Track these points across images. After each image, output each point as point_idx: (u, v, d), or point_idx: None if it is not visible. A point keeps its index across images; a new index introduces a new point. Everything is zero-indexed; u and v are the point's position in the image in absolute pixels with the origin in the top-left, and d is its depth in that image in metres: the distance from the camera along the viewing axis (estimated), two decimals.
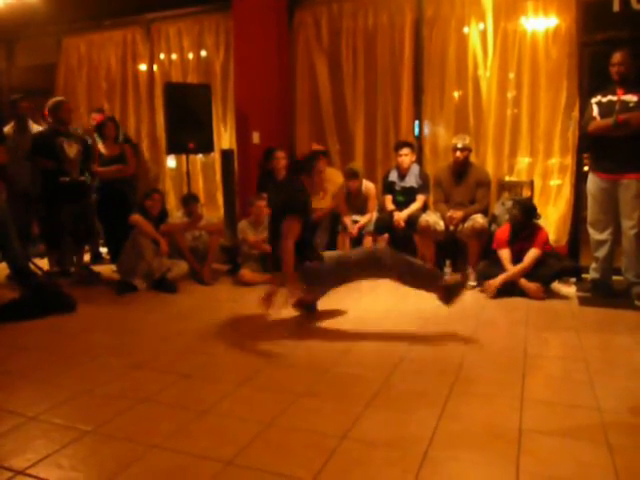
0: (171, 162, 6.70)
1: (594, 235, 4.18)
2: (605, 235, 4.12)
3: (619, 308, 3.88)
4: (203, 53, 6.28)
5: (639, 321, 3.63)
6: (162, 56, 6.50)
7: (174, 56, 6.42)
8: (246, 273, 4.72)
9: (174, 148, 5.46)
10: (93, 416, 2.27)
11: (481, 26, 5.23)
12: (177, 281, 4.66)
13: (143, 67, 6.60)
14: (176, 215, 5.19)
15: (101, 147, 5.25)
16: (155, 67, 6.53)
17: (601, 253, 4.15)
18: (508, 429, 2.11)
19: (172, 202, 6.47)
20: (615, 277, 4.26)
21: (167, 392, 2.53)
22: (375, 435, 2.09)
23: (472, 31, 5.27)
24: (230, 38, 5.91)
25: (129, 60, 6.68)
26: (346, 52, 5.77)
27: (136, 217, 4.61)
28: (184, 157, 5.68)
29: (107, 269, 5.36)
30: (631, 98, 3.91)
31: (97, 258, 5.89)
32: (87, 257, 5.79)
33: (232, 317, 3.87)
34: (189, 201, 5.07)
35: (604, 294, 4.17)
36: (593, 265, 4.26)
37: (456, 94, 5.45)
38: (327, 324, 3.59)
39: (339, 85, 5.85)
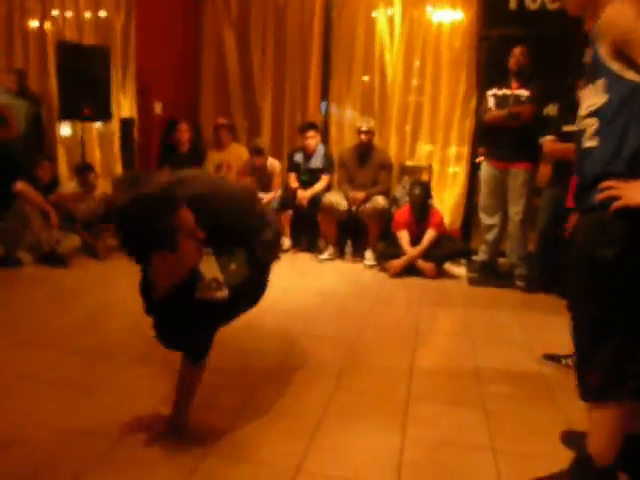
0: (65, 130, 6.25)
1: (484, 219, 4.46)
2: (494, 220, 4.41)
3: (503, 288, 4.18)
4: (102, 13, 5.88)
5: (520, 300, 3.94)
6: (55, 13, 6.00)
7: (69, 14, 5.95)
8: None
9: (68, 113, 5.09)
10: None
11: (389, 11, 5.34)
12: (68, 255, 4.39)
13: (34, 23, 6.06)
14: (69, 185, 4.87)
15: None
16: (47, 24, 6.02)
17: (490, 236, 4.44)
18: (396, 399, 2.22)
19: (64, 172, 6.05)
20: (501, 259, 4.59)
21: (53, 370, 2.39)
22: (269, 407, 2.11)
23: (380, 16, 5.37)
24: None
25: (16, 15, 6.10)
26: (255, 26, 5.66)
27: (21, 185, 4.25)
28: (79, 125, 5.32)
29: None
30: (523, 92, 4.20)
31: None
32: None
33: (127, 294, 3.71)
34: (83, 170, 4.77)
35: (491, 275, 4.47)
36: (482, 247, 4.55)
37: (363, 77, 5.54)
38: None
39: (247, 60, 5.74)
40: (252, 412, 2.06)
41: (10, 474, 1.64)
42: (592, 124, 1.48)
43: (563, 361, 2.56)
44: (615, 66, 1.41)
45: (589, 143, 1.49)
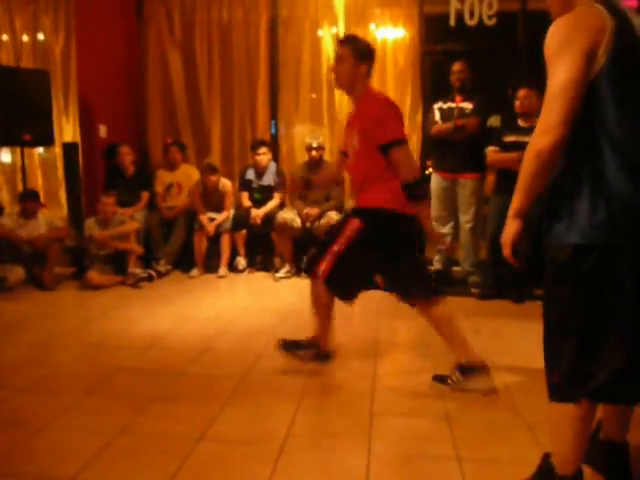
0: (5, 156, 6.01)
1: (437, 229, 4.53)
2: (447, 229, 4.49)
3: (457, 295, 4.23)
4: (40, 36, 5.72)
5: (475, 307, 4.01)
6: None
7: (5, 37, 5.76)
8: (94, 276, 4.39)
9: (6, 139, 4.89)
10: None
11: (333, 30, 5.42)
12: (13, 288, 4.20)
13: None
14: (9, 217, 4.62)
15: None
16: None
17: (442, 246, 4.52)
18: (360, 415, 2.20)
19: (6, 200, 5.81)
20: (455, 268, 4.67)
21: None
22: (232, 433, 2.05)
23: (325, 34, 5.44)
24: (71, 21, 5.45)
25: None
26: (200, 46, 5.64)
27: None
28: (19, 150, 5.12)
29: None
30: (467, 105, 4.32)
31: None
32: None
33: (78, 324, 3.58)
34: (24, 198, 4.59)
35: (445, 283, 4.54)
36: (436, 257, 4.62)
37: (311, 95, 5.58)
38: (184, 324, 3.47)
39: (194, 79, 5.70)
40: (214, 440, 2.00)
41: None
42: None
43: (449, 380, 2.44)
44: None
45: None
